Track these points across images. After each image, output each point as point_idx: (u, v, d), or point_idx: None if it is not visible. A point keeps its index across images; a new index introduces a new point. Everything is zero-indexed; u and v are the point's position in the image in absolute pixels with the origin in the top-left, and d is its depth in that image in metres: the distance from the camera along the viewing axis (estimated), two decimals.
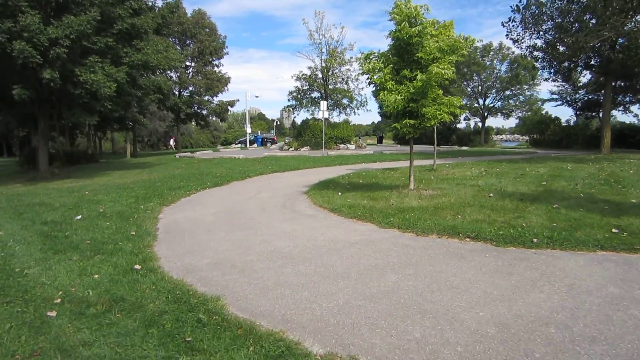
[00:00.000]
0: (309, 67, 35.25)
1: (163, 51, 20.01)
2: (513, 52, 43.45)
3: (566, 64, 24.86)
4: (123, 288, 4.41)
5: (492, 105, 46.84)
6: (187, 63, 41.00)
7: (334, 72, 35.18)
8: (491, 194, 8.90)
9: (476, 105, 46.90)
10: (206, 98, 41.35)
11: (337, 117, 38.47)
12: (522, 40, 24.12)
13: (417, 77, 8.36)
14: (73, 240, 6.50)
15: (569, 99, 36.42)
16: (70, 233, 6.98)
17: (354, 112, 37.21)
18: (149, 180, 14.95)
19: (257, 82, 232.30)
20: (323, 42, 34.30)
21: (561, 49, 22.00)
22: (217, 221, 7.85)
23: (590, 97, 34.52)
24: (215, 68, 42.27)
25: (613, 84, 26.06)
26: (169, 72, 38.67)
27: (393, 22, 8.94)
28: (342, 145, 34.53)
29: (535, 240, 5.35)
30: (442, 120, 8.84)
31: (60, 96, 18.65)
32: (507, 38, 24.91)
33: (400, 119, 8.94)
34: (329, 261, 5.12)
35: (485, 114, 47.06)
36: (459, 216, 6.93)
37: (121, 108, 27.73)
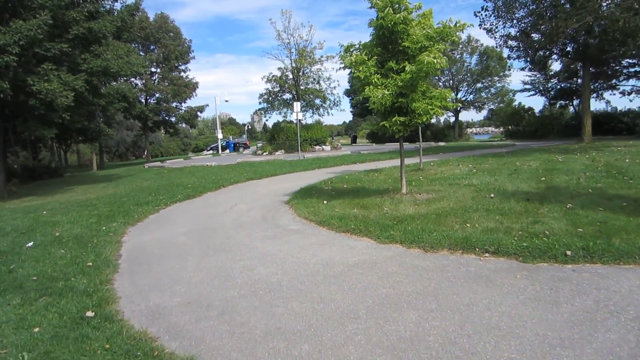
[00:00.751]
0: (279, 68, 34.29)
1: (124, 56, 18.71)
2: (482, 44, 43.53)
3: (541, 52, 24.57)
4: (67, 350, 3.39)
5: (464, 98, 46.78)
6: (153, 69, 39.41)
7: (305, 72, 34.26)
8: (492, 195, 8.12)
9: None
10: (174, 104, 39.83)
11: (309, 119, 37.59)
12: (496, 30, 23.74)
13: (406, 68, 7.52)
14: (17, 277, 5.40)
15: (541, 88, 36.48)
16: (15, 266, 5.86)
17: (327, 112, 36.41)
18: (114, 195, 13.71)
19: (226, 86, 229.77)
20: (292, 42, 33.37)
21: (536, 37, 21.64)
22: (189, 242, 6.82)
23: (563, 85, 34.61)
24: (182, 73, 40.76)
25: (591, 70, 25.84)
26: (133, 79, 37.16)
27: (374, 9, 8.09)
28: (317, 147, 33.63)
29: (568, 252, 4.52)
30: (435, 115, 8.02)
31: (13, 108, 17.17)
32: (480, 28, 24.50)
33: (388, 117, 8.07)
34: (328, 294, 4.18)
35: (458, 108, 46.95)
36: (468, 225, 6.09)
37: (84, 119, 26.30)
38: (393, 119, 7.92)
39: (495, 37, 24.22)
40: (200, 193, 12.65)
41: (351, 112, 60.04)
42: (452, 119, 49.31)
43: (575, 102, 35.09)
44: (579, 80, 33.05)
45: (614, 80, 31.03)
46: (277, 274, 4.93)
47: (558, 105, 36.86)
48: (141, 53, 36.68)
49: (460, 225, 6.11)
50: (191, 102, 64.75)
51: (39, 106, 15.01)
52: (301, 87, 33.99)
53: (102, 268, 5.64)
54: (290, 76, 34.00)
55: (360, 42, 8.56)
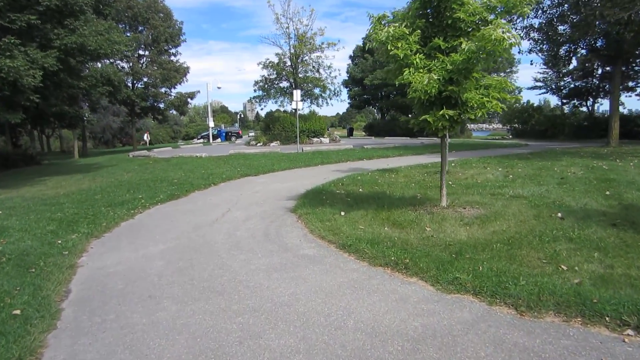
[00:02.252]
0: (277, 54, 32.23)
1: (104, 33, 16.59)
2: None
3: (566, 47, 22.76)
4: None
5: None
6: (141, 52, 37.13)
7: (304, 59, 32.26)
8: (559, 214, 6.36)
9: None
10: (163, 90, 37.59)
11: (306, 109, 35.66)
12: (518, 20, 21.94)
13: (462, 46, 5.69)
14: None
15: (554, 86, 34.82)
16: None
17: (327, 102, 34.48)
18: (87, 191, 11.76)
19: (219, 74, 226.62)
20: (291, 27, 31.31)
21: (562, 29, 19.84)
22: (166, 272, 4.97)
23: (577, 84, 32.95)
24: (172, 57, 38.54)
25: (623, 68, 23.80)
26: (119, 61, 34.96)
27: None
28: (315, 139, 31.77)
29: None
30: (493, 110, 6.20)
31: None
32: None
33: (433, 109, 6.26)
34: None
35: None
36: (562, 266, 4.31)
37: (65, 103, 24.16)
38: (439, 113, 6.10)
39: (516, 28, 22.41)
40: (186, 192, 10.76)
41: (349, 103, 58.03)
42: None
43: (590, 102, 33.54)
44: (595, 80, 31.42)
45: (630, 83, 29.32)
46: (298, 350, 3.11)
47: (571, 105, 35.22)
48: (128, 34, 34.32)
49: (551, 266, 4.34)
50: (181, 88, 62.46)
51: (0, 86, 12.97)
52: (299, 75, 32.01)
53: (33, 320, 3.77)
54: (289, 63, 32.00)
55: (395, 9, 6.71)
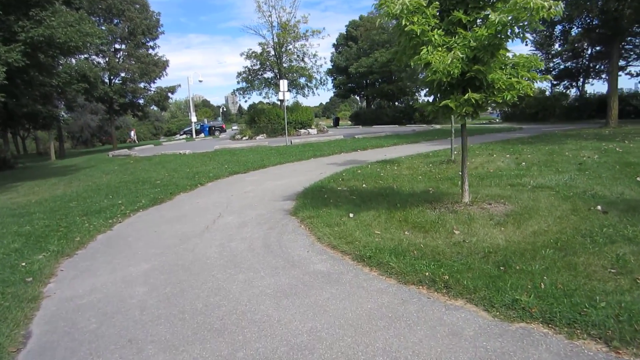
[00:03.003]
0: (260, 44, 31.04)
1: (74, 24, 15.34)
2: None
3: (560, 27, 22.06)
4: None
5: None
6: (117, 46, 35.56)
7: (288, 48, 31.14)
8: (599, 207, 5.58)
9: None
10: (142, 85, 36.11)
11: (291, 99, 34.60)
12: None
13: (491, 17, 4.83)
14: None
15: (543, 68, 34.20)
16: None
17: (313, 92, 33.46)
18: (61, 198, 10.72)
19: (199, 68, 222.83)
20: (273, 15, 30.15)
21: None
22: (150, 304, 4.06)
23: (567, 65, 32.38)
24: (150, 50, 37.03)
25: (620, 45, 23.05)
26: (95, 56, 33.44)
27: None
28: (302, 131, 30.79)
29: None
30: (523, 92, 5.36)
31: None
32: None
33: (454, 93, 5.41)
34: None
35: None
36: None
37: (38, 102, 22.81)
38: (463, 98, 5.26)
39: None
40: (171, 194, 9.80)
41: (333, 92, 56.92)
42: None
43: (580, 83, 33.05)
44: (585, 61, 30.88)
45: (621, 62, 28.84)
46: None
47: (562, 86, 34.70)
48: (103, 27, 32.73)
49: (624, 278, 3.53)
50: (161, 83, 60.25)
51: None
52: (284, 65, 30.91)
53: None
54: (272, 53, 30.85)
55: None
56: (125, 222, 7.67)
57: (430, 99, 5.91)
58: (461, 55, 4.98)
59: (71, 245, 6.23)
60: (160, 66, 36.15)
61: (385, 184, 8.46)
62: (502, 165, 9.51)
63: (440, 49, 5.26)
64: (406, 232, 5.19)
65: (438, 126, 32.53)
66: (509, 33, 4.93)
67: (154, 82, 36.93)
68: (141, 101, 37.23)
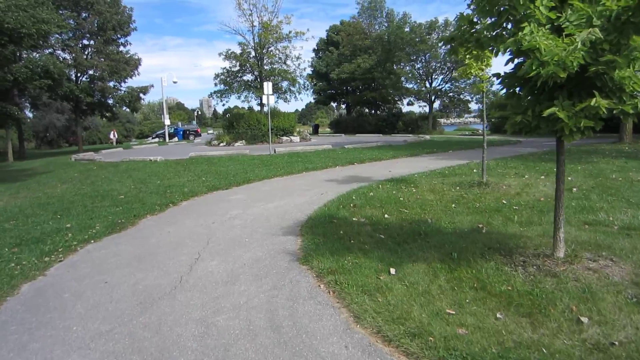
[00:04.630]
0: (240, 44, 28.98)
1: (28, 8, 13.08)
2: None
3: None
4: None
5: (440, 88, 43.26)
6: (85, 42, 32.90)
7: (270, 49, 29.19)
8: None
9: (423, 88, 43.03)
10: (111, 84, 33.49)
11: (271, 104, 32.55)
12: None
13: None
14: None
15: None
16: None
17: (295, 97, 31.57)
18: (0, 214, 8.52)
19: (174, 70, 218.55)
20: (255, 14, 28.18)
21: None
22: None
23: None
24: (122, 47, 34.47)
25: None
26: (60, 51, 30.78)
27: None
28: (284, 138, 28.85)
29: None
30: None
31: None
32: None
33: (571, 97, 3.60)
34: None
35: (433, 98, 43.39)
36: None
37: None
38: (580, 105, 3.45)
39: None
40: (134, 218, 7.73)
41: (314, 98, 55.09)
42: (427, 109, 45.74)
43: None
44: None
45: None
46: None
47: None
48: (71, 21, 30.08)
49: None
50: (133, 83, 57.22)
51: None
52: (265, 67, 28.92)
53: None
54: (253, 54, 28.84)
55: None
56: (68, 262, 5.58)
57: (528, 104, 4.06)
58: (594, 37, 3.18)
59: None
60: (131, 65, 33.63)
61: (414, 215, 6.61)
62: (548, 191, 7.78)
63: (543, 29, 3.46)
64: (498, 315, 3.30)
65: (427, 137, 31.07)
66: None
67: (124, 82, 34.39)
68: (110, 101, 34.52)
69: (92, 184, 12.30)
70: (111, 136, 46.09)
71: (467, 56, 7.94)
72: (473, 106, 47.53)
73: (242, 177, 11.79)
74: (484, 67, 7.98)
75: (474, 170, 10.95)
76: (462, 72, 8.15)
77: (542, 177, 9.51)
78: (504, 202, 7.11)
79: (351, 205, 7.48)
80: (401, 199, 7.80)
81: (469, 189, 8.29)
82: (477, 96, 41.68)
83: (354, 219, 6.57)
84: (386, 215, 6.66)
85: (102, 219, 7.62)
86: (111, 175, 14.13)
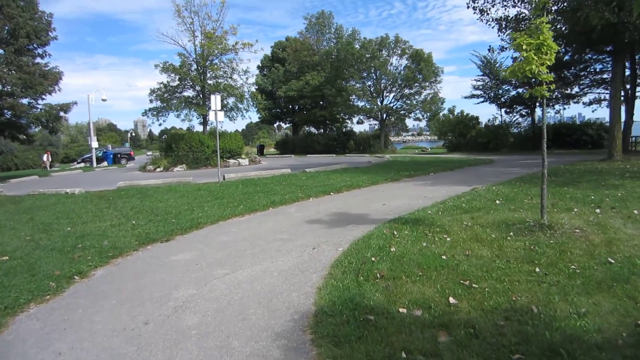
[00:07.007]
0: (179, 54, 25.68)
1: None
2: (411, 47, 38.95)
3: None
4: None
5: (392, 106, 41.77)
6: None
7: (214, 62, 26.10)
8: None
9: (375, 106, 41.33)
10: (25, 101, 28.77)
11: (210, 124, 29.25)
12: (488, 12, 18.23)
13: None
14: None
15: (492, 94, 32.21)
16: None
17: (242, 114, 28.53)
18: None
19: (107, 90, 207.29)
20: (196, 22, 25.09)
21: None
22: None
23: (519, 91, 30.53)
24: (38, 59, 29.87)
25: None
26: None
27: None
28: (231, 161, 25.69)
29: None
30: None
31: None
32: (468, 8, 18.73)
33: None
34: None
35: (384, 116, 41.81)
36: None
37: None
38: None
39: (486, 20, 18.57)
40: (12, 310, 4.48)
41: (258, 117, 52.00)
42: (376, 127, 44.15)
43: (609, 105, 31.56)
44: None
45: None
46: None
47: (517, 114, 32.85)
48: None
49: None
50: (52, 100, 51.15)
51: None
52: (209, 82, 25.75)
53: None
54: (195, 66, 25.61)
55: None
56: None
57: None
58: None
59: None
60: (50, 79, 29.04)
61: (494, 295, 3.91)
62: (635, 233, 5.40)
63: None
64: None
65: (388, 156, 29.10)
66: None
67: (41, 98, 29.65)
68: (24, 121, 29.64)
69: None
70: (44, 158, 40.83)
71: (525, 46, 5.53)
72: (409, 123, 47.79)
73: (187, 219, 8.66)
74: (547, 61, 5.58)
75: (497, 202, 8.52)
76: (516, 70, 5.70)
77: (598, 210, 7.21)
78: (611, 260, 4.60)
79: (376, 273, 4.66)
80: (443, 257, 5.08)
81: (530, 236, 5.73)
82: (429, 113, 40.59)
83: (400, 309, 3.76)
84: (451, 300, 3.90)
85: None
86: (4, 217, 10.45)
